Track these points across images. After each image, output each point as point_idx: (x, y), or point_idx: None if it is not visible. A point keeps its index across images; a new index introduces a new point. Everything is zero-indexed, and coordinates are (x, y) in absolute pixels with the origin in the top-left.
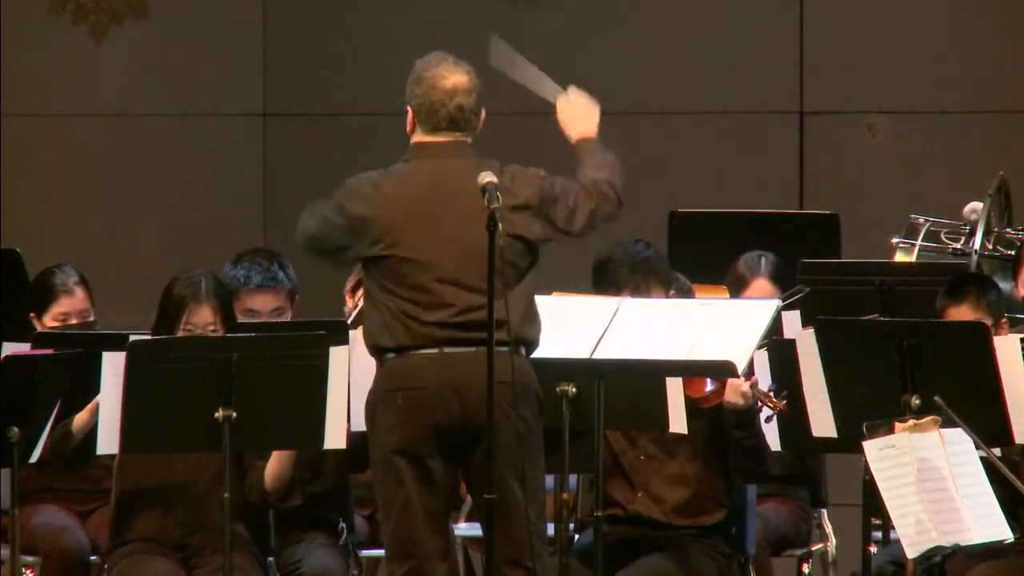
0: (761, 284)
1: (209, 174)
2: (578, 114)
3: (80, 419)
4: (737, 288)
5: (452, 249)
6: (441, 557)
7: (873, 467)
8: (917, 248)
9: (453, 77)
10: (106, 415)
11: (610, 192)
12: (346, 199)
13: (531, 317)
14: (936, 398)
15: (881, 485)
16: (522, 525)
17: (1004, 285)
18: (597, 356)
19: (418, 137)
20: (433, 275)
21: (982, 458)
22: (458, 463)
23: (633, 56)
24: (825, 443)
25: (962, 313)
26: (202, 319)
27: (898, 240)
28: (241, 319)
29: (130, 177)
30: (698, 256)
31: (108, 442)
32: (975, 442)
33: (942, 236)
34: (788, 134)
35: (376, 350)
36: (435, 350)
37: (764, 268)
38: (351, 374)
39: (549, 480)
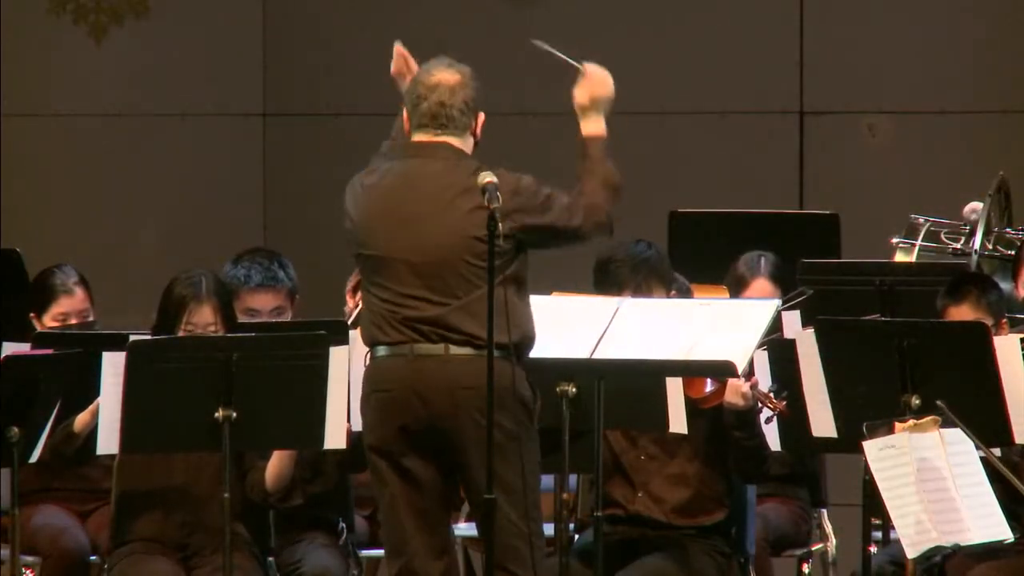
0: (761, 284)
1: (209, 174)
2: (598, 92)
3: (82, 420)
4: (737, 288)
5: (420, 250)
6: (434, 555)
7: (873, 467)
8: (917, 248)
9: (440, 75)
10: (106, 415)
11: (603, 219)
12: (347, 194)
13: (503, 318)
14: (939, 402)
15: (881, 485)
16: (506, 530)
17: (1004, 285)
18: (597, 356)
19: (411, 136)
20: (403, 276)
21: (982, 458)
22: (442, 463)
23: (633, 56)
24: (825, 443)
25: (962, 313)
26: (202, 319)
27: (898, 240)
28: (241, 318)
29: (130, 177)
30: (698, 256)
31: (108, 442)
32: (975, 444)
33: (942, 236)
34: (788, 134)
35: (367, 344)
36: (407, 349)
37: (764, 268)
38: (351, 374)
39: (549, 480)
